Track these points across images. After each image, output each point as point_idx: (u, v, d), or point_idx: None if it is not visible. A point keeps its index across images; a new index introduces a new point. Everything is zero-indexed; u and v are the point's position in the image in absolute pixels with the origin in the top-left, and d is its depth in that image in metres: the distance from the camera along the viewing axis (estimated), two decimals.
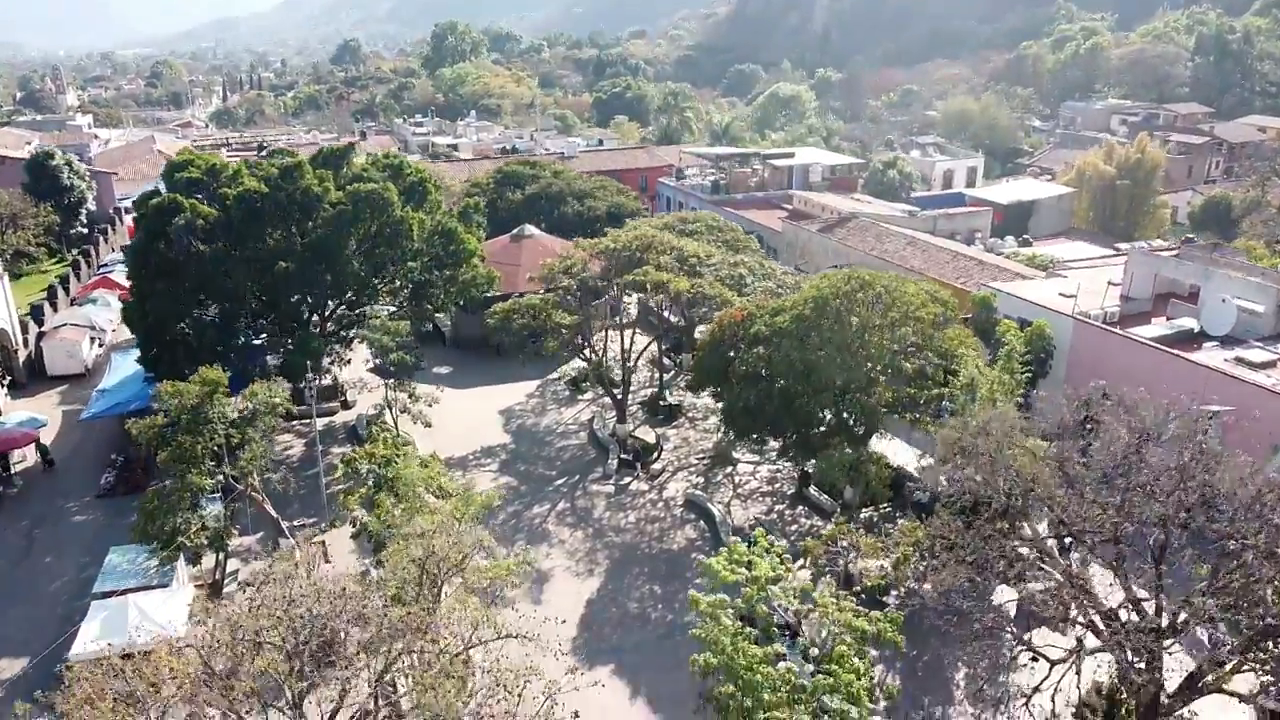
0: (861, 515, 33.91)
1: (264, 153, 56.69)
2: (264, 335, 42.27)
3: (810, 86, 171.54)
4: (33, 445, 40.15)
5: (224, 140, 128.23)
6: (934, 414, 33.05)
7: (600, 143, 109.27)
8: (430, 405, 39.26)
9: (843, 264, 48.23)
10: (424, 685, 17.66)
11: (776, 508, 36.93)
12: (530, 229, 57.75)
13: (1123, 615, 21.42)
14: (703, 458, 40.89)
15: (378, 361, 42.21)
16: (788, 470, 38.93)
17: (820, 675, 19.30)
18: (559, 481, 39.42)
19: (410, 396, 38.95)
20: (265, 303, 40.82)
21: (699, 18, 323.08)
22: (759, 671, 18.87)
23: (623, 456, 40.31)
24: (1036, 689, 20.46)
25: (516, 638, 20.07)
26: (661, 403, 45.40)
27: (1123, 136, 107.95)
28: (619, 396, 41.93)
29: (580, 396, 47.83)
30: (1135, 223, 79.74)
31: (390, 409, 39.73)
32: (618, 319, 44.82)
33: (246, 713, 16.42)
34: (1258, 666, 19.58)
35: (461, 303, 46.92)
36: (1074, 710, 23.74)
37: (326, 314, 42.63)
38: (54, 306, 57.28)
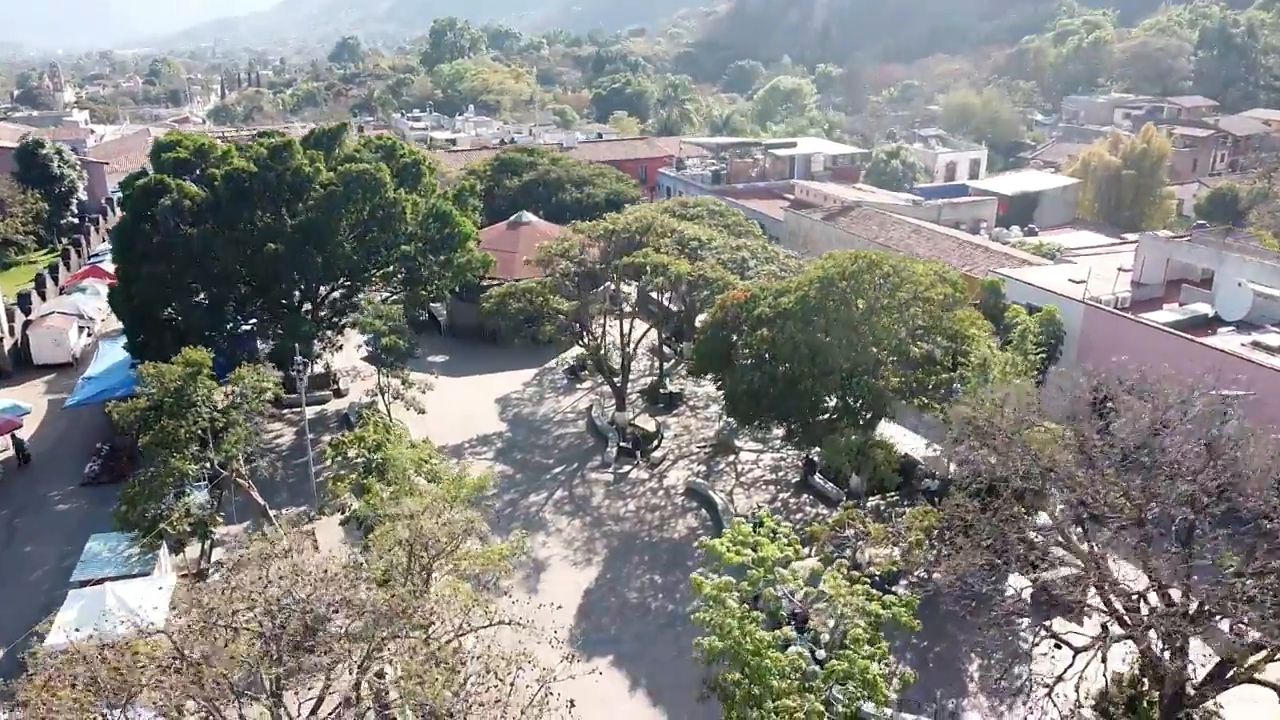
0: (869, 503, 32.81)
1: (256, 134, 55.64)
2: (254, 321, 41.19)
3: (811, 82, 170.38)
4: (9, 438, 38.98)
5: (221, 135, 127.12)
6: (943, 397, 31.96)
7: (599, 136, 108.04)
8: (424, 392, 38.17)
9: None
10: (410, 673, 16.57)
11: (780, 496, 35.83)
12: (528, 216, 56.63)
13: (1150, 600, 20.37)
14: (704, 446, 39.83)
15: (371, 349, 41.14)
16: (792, 458, 37.86)
17: (834, 661, 18.07)
18: (556, 470, 38.33)
19: (403, 383, 37.85)
20: (255, 287, 39.74)
21: (699, 16, 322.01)
22: (768, 656, 17.67)
23: (622, 444, 39.23)
24: (1060, 678, 19.32)
25: (510, 624, 18.96)
26: (662, 390, 44.30)
27: (1127, 130, 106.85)
28: (618, 383, 40.83)
29: (579, 385, 46.76)
30: (1141, 213, 78.68)
31: (383, 395, 38.63)
32: (617, 306, 43.67)
33: (218, 701, 15.31)
34: None
35: (457, 289, 45.82)
36: (1093, 703, 22.65)
37: (319, 299, 41.55)
38: (42, 295, 56.19)
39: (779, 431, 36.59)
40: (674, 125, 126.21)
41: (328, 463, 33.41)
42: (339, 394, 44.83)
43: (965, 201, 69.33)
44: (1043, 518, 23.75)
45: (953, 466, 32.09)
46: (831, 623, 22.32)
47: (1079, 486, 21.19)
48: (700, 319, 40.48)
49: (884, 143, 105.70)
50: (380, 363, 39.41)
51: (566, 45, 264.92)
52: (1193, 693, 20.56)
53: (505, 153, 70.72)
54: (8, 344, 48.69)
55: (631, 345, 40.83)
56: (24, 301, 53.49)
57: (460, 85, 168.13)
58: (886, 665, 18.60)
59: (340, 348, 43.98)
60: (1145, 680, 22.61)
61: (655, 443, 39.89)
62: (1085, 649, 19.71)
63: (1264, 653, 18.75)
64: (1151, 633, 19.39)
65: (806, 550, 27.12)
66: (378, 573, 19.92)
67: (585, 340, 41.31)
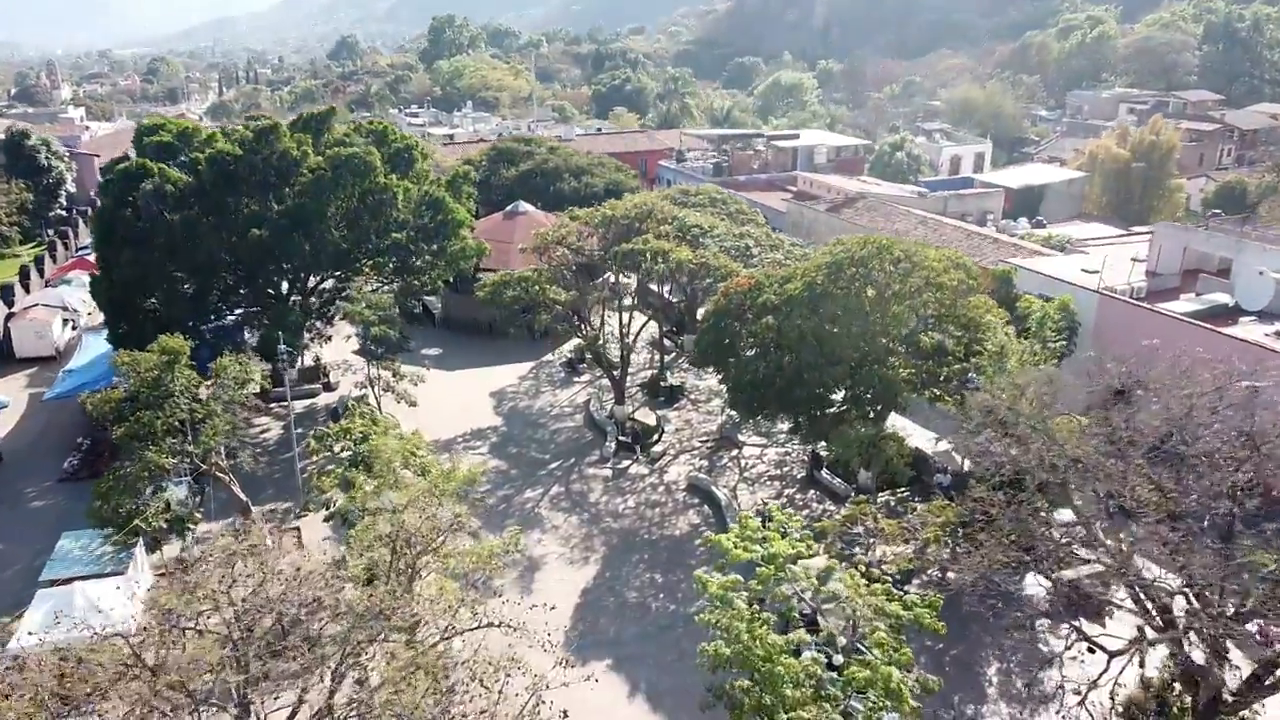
0: (879, 499, 31.39)
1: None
2: (240, 311, 39.79)
3: (812, 77, 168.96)
4: None
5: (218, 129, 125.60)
6: (956, 389, 30.57)
7: (599, 131, 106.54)
8: (416, 384, 36.76)
9: None
10: (390, 680, 15.19)
11: (786, 492, 34.41)
12: (524, 205, 55.20)
13: (1181, 601, 18.99)
14: (706, 440, 38.43)
15: (362, 340, 39.72)
16: (797, 453, 36.47)
17: (854, 667, 16.56)
18: (553, 465, 36.92)
19: (394, 375, 36.44)
20: (241, 275, 38.33)
21: (698, 14, 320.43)
22: (780, 662, 16.21)
23: (621, 439, 37.82)
24: (1094, 684, 17.86)
25: (499, 626, 17.56)
26: (662, 384, 42.90)
27: (1132, 124, 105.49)
28: (617, 376, 39.40)
29: (576, 378, 45.35)
30: (1150, 206, 77.42)
31: (373, 388, 37.23)
32: (616, 297, 42.25)
33: (175, 710, 13.90)
34: None
35: (451, 279, 44.39)
36: (1120, 709, 21.26)
37: (307, 288, 40.13)
38: (26, 288, 54.77)
39: (784, 425, 35.19)
40: (674, 119, 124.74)
41: (314, 457, 32.11)
42: (329, 387, 43.42)
43: (971, 193, 68.01)
44: (1066, 513, 22.36)
45: (967, 462, 30.71)
46: (842, 624, 20.92)
47: (1108, 478, 19.82)
48: (702, 310, 39.11)
49: (887, 135, 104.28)
50: (370, 354, 37.99)
51: (566, 43, 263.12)
52: (1229, 699, 19.21)
53: (502, 142, 69.21)
54: None
55: (631, 337, 39.43)
56: (6, 294, 52.08)
57: (459, 82, 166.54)
58: (909, 672, 17.11)
59: (329, 339, 42.54)
60: (1177, 685, 21.26)
61: (655, 437, 38.49)
62: (1120, 653, 18.27)
63: None
64: (1190, 635, 18.01)
65: (818, 547, 25.74)
66: (359, 571, 18.53)
67: (583, 331, 39.91)
